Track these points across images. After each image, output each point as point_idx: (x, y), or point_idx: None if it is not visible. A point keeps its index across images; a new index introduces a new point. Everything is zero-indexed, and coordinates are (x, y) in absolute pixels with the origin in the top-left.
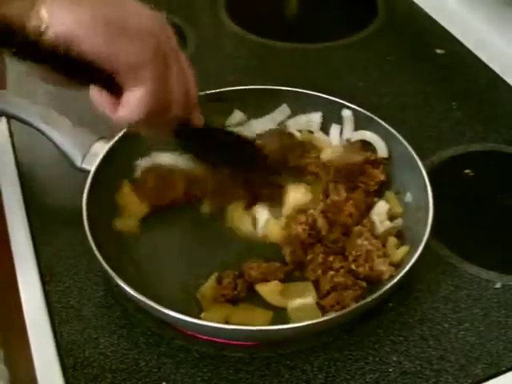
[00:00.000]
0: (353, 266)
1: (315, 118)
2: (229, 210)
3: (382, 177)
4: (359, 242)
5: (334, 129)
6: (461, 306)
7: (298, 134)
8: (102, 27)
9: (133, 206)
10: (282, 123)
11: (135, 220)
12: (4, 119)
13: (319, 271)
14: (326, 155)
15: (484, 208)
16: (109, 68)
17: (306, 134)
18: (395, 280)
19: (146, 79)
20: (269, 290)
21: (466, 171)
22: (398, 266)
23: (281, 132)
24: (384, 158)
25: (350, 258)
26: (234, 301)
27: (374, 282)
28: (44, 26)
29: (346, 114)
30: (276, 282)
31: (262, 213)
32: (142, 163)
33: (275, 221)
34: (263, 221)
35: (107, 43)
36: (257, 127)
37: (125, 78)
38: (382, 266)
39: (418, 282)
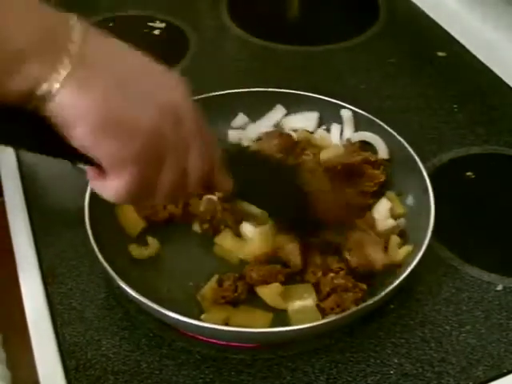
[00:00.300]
0: (347, 256)
1: (312, 117)
2: (217, 241)
3: (382, 177)
4: (356, 234)
5: (335, 129)
6: (462, 308)
7: (293, 134)
8: (99, 122)
9: (130, 221)
10: (278, 124)
11: (151, 249)
12: None
13: (319, 273)
14: (325, 154)
15: (485, 210)
16: (91, 155)
17: (303, 133)
18: (396, 283)
19: (127, 175)
20: (269, 293)
21: (468, 173)
22: (399, 265)
23: (279, 133)
24: (385, 159)
25: (345, 250)
26: (234, 303)
27: (367, 272)
28: (51, 96)
29: (346, 114)
30: (277, 284)
31: (248, 228)
32: None
33: (262, 231)
34: (251, 235)
35: (94, 136)
36: (258, 129)
37: (107, 167)
38: (376, 255)
39: (420, 284)
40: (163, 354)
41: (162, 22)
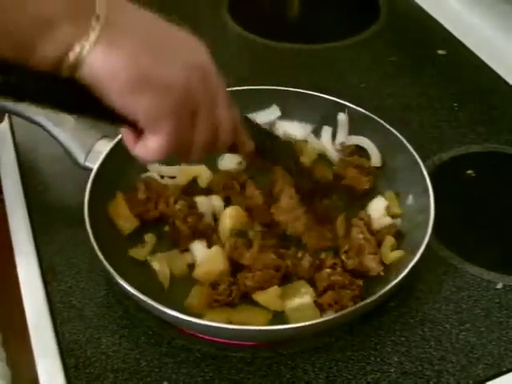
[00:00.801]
0: (343, 257)
1: (306, 126)
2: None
3: (367, 185)
4: (354, 234)
5: (326, 132)
6: (462, 306)
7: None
8: (131, 79)
9: (123, 219)
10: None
11: (149, 246)
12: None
13: (311, 269)
14: (305, 160)
15: (485, 209)
16: (127, 114)
17: (297, 142)
18: (396, 281)
19: (165, 130)
20: (268, 298)
21: (468, 172)
22: (387, 266)
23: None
24: (376, 168)
25: (342, 250)
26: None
27: (361, 275)
28: (83, 59)
29: (341, 117)
30: (274, 287)
31: (199, 248)
32: (144, 175)
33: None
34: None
35: (130, 94)
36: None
37: (144, 126)
38: (372, 263)
39: (420, 282)
40: (163, 352)
41: None
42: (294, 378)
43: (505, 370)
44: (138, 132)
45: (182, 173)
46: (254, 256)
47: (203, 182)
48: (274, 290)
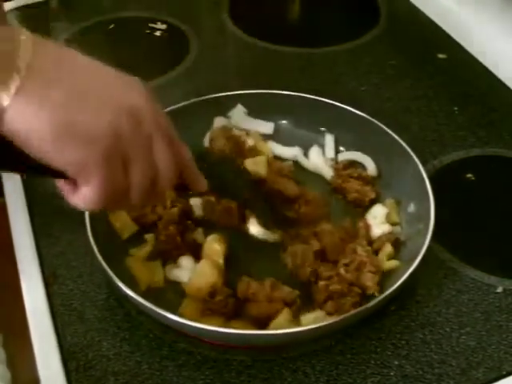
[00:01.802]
0: (341, 270)
1: (295, 149)
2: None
3: (373, 195)
4: (358, 250)
5: (314, 151)
6: (462, 310)
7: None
8: (52, 132)
9: (121, 223)
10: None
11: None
12: None
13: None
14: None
15: (485, 212)
16: (55, 166)
17: (258, 139)
18: (397, 285)
19: (95, 180)
20: (280, 323)
21: (468, 175)
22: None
23: (228, 134)
24: (374, 177)
25: (341, 262)
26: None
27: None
28: (3, 112)
29: (327, 137)
30: (285, 310)
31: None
32: None
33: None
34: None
35: (52, 147)
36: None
37: (74, 176)
38: (369, 282)
39: (420, 286)
40: (164, 355)
41: (163, 23)
42: (295, 381)
43: (505, 373)
44: (73, 182)
45: None
46: (268, 294)
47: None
48: (286, 313)
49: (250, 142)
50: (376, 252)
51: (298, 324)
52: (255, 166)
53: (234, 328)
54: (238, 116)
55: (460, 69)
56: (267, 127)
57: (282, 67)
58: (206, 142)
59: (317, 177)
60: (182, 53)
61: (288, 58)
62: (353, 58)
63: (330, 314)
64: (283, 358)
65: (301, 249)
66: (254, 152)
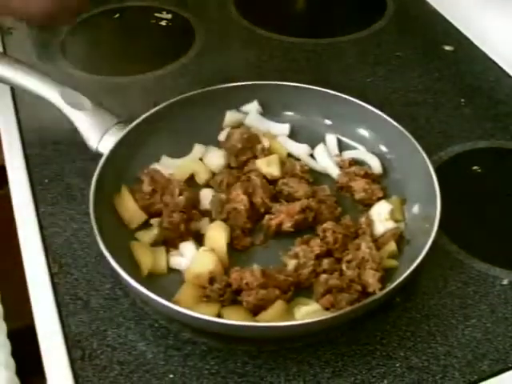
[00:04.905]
0: (343, 267)
1: (304, 146)
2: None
3: (380, 194)
4: (362, 246)
5: (320, 150)
6: (468, 302)
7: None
8: None
9: (130, 213)
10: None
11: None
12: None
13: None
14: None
15: (492, 204)
16: None
17: (271, 137)
18: (402, 277)
19: None
20: (273, 314)
21: (474, 168)
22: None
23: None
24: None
25: (344, 259)
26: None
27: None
28: None
29: (329, 137)
30: (279, 302)
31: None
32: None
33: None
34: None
35: None
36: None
37: None
38: (371, 279)
39: (425, 277)
40: (169, 344)
41: (168, 12)
42: (300, 371)
43: (510, 365)
44: None
45: (180, 170)
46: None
47: (201, 179)
48: (279, 305)
49: (265, 143)
50: (379, 249)
51: (292, 315)
52: (268, 166)
53: (229, 316)
54: (253, 116)
55: (467, 61)
56: (283, 128)
57: (287, 57)
58: (222, 137)
59: (321, 175)
60: (188, 43)
61: (294, 48)
62: (359, 48)
63: (326, 308)
64: (288, 349)
65: (302, 250)
66: (268, 152)
